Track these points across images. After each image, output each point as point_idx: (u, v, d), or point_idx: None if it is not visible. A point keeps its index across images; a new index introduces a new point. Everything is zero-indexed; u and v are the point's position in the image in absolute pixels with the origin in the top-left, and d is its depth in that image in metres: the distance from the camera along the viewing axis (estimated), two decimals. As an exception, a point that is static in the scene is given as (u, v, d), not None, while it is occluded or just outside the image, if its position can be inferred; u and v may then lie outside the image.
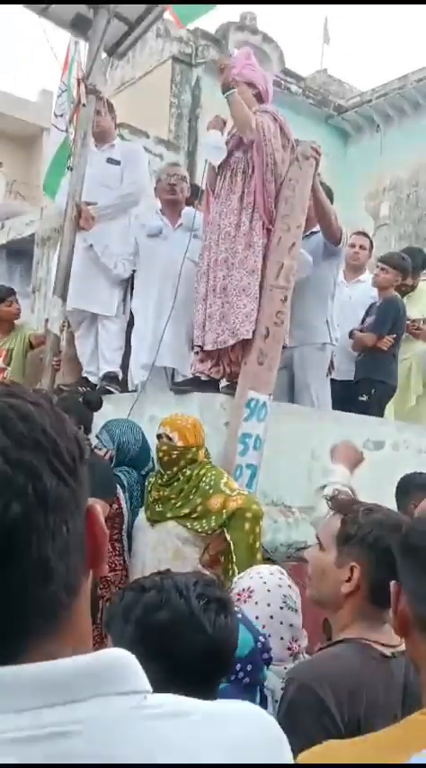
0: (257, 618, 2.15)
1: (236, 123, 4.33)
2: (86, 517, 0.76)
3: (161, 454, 3.76)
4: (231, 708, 0.81)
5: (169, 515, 3.66)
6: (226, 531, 3.53)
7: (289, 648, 2.21)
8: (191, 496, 3.65)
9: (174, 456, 3.72)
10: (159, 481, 3.80)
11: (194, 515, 3.60)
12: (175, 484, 3.72)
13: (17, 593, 0.69)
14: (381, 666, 1.71)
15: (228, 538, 3.51)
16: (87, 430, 4.06)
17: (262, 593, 2.23)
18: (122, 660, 0.74)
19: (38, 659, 0.69)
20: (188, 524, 3.61)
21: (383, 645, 1.74)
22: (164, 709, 0.72)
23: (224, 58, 4.40)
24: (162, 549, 3.63)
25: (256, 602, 2.20)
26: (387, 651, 1.73)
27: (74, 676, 0.69)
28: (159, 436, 3.78)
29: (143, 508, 3.84)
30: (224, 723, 0.76)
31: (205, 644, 1.51)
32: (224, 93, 4.33)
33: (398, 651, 1.71)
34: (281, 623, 2.20)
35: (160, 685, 1.45)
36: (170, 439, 3.73)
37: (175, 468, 3.73)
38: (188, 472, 3.72)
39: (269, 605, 2.21)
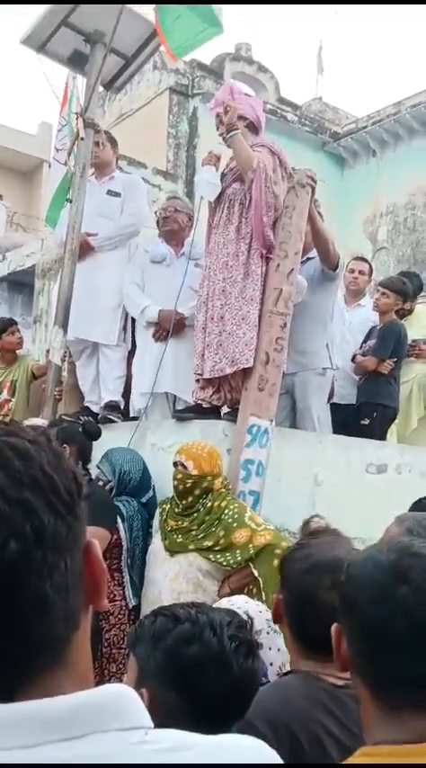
0: (271, 664, 2.13)
1: (239, 163, 4.37)
2: (85, 553, 0.77)
3: (176, 482, 3.75)
4: (231, 741, 0.80)
5: (191, 547, 3.63)
6: (253, 566, 3.51)
7: (279, 675, 2.20)
8: (213, 528, 3.62)
9: (189, 485, 3.71)
10: (175, 509, 3.78)
11: (217, 548, 3.58)
12: (195, 515, 3.70)
13: (16, 631, 0.70)
14: (331, 696, 1.65)
15: (257, 574, 3.48)
16: (87, 460, 4.07)
17: (269, 635, 2.20)
18: (123, 696, 0.74)
19: (38, 695, 0.70)
20: (210, 557, 3.58)
21: (335, 677, 1.67)
22: (165, 744, 0.73)
23: (231, 102, 4.41)
24: (182, 580, 3.59)
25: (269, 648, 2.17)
26: (339, 681, 1.66)
27: (73, 713, 0.69)
28: (175, 464, 3.77)
29: (160, 536, 3.81)
30: (223, 756, 0.75)
31: (229, 684, 1.52)
32: (228, 134, 4.35)
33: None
34: (270, 649, 2.18)
35: (176, 716, 1.47)
36: (185, 467, 3.71)
37: (191, 498, 3.72)
38: (208, 503, 3.70)
39: (279, 650, 2.18)
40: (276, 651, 2.21)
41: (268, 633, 2.19)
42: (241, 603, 2.28)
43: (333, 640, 1.19)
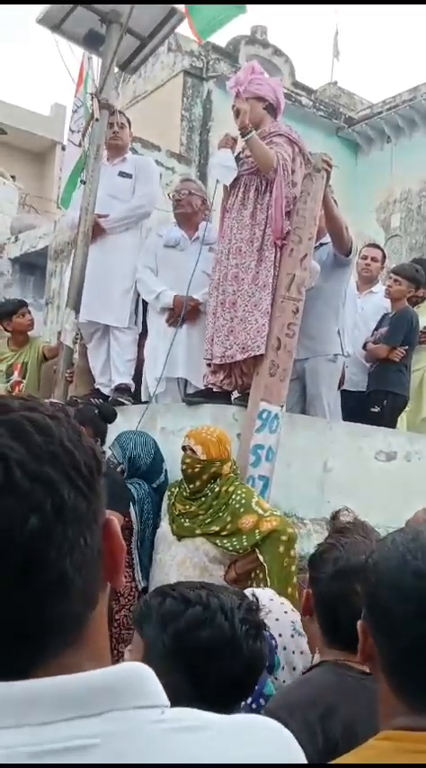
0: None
1: (258, 164, 4.31)
2: (104, 529, 0.77)
3: (184, 467, 3.76)
4: (248, 722, 0.80)
5: (198, 531, 3.64)
6: (258, 552, 3.52)
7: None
8: (221, 513, 3.63)
9: (197, 469, 3.71)
10: (183, 494, 3.80)
11: (224, 533, 3.59)
12: (203, 499, 3.71)
13: (34, 607, 0.70)
14: (360, 683, 1.66)
15: (262, 559, 3.49)
16: (102, 442, 4.09)
17: (271, 623, 2.15)
18: (141, 674, 0.74)
19: (55, 672, 0.69)
20: (217, 542, 3.59)
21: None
22: (183, 723, 0.72)
23: (240, 103, 4.36)
24: (189, 564, 3.61)
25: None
26: (368, 668, 1.70)
27: (90, 690, 0.69)
28: (184, 448, 3.77)
29: (168, 520, 3.83)
30: (241, 737, 0.75)
31: (239, 667, 1.53)
32: (243, 138, 4.29)
33: None
34: (294, 652, 2.16)
35: (183, 697, 1.48)
36: (194, 452, 3.72)
37: (198, 482, 3.72)
38: (216, 488, 3.70)
39: (280, 635, 2.17)
40: (299, 654, 2.19)
41: (292, 636, 2.17)
42: (266, 601, 2.27)
43: (360, 638, 1.19)
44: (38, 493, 0.69)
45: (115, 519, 0.79)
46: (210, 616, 1.54)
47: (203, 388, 4.55)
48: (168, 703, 0.74)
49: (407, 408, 5.64)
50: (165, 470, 4.13)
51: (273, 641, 2.05)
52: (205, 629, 1.52)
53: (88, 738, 0.67)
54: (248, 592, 2.32)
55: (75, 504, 0.71)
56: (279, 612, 2.19)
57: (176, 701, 1.38)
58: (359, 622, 1.19)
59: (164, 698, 0.74)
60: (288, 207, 4.30)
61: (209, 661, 1.51)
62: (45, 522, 0.69)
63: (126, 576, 3.76)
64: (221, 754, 0.71)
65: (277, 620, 2.17)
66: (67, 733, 0.67)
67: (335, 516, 2.08)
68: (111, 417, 4.24)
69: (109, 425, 4.28)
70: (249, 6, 4.78)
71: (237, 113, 4.31)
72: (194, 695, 1.46)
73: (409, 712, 1.08)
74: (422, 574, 1.10)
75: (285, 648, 2.16)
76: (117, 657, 3.67)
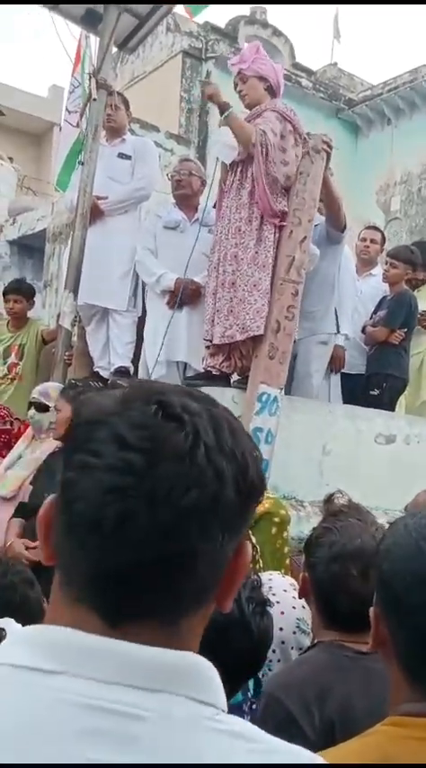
0: None
1: (238, 140, 4.33)
2: (239, 547, 0.79)
3: None
4: (298, 750, 0.79)
5: None
6: (251, 533, 3.52)
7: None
8: None
9: None
10: None
11: None
12: None
13: (155, 571, 0.71)
14: (356, 663, 1.67)
15: (254, 541, 3.50)
16: None
17: (275, 615, 2.18)
18: (203, 668, 0.75)
19: (134, 641, 0.71)
20: None
21: (361, 643, 1.68)
22: (235, 728, 0.72)
23: (209, 87, 4.54)
24: None
25: None
26: (364, 647, 1.66)
27: (153, 665, 0.70)
28: None
29: None
30: (286, 758, 0.75)
31: (248, 645, 1.54)
32: (221, 116, 4.37)
33: None
34: (292, 648, 2.13)
35: None
36: None
37: None
38: None
39: (281, 629, 2.11)
40: (297, 651, 2.15)
41: (294, 633, 2.15)
42: (278, 590, 2.26)
43: (372, 624, 1.18)
44: (208, 474, 0.72)
45: (249, 546, 0.82)
46: None
47: (202, 370, 4.54)
48: (226, 708, 0.74)
49: (406, 391, 5.64)
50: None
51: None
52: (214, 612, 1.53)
53: (137, 708, 0.68)
54: (265, 578, 2.31)
55: (230, 504, 0.74)
56: (288, 606, 2.17)
57: None
58: (371, 609, 1.19)
59: (222, 701, 0.74)
60: (287, 184, 4.26)
61: (220, 643, 1.51)
62: (200, 501, 0.72)
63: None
64: (264, 765, 0.71)
65: (282, 613, 2.14)
66: (120, 697, 0.68)
67: (329, 499, 2.06)
68: None
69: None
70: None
71: (210, 98, 4.43)
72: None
73: (419, 699, 1.08)
74: None
75: (283, 643, 2.13)
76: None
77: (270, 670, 2.07)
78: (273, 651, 2.09)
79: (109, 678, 0.68)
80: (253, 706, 1.87)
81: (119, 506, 0.69)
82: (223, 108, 4.36)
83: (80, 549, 0.72)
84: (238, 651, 1.51)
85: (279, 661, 2.08)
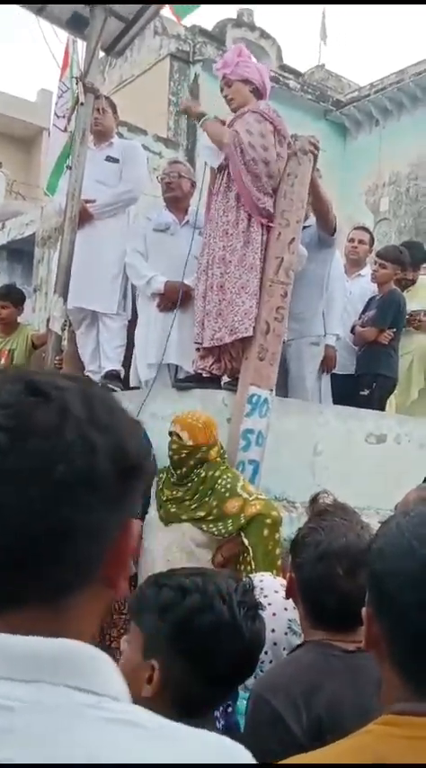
0: None
1: (215, 144, 4.40)
2: (126, 525, 0.77)
3: (171, 452, 3.74)
4: (197, 733, 0.75)
5: (184, 517, 3.64)
6: (243, 535, 3.51)
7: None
8: (207, 498, 3.62)
9: (184, 455, 3.69)
10: (171, 479, 3.79)
11: (210, 518, 3.58)
12: (189, 485, 3.69)
13: (29, 548, 0.70)
14: (344, 662, 1.67)
15: (247, 543, 3.49)
16: None
17: (267, 616, 2.18)
18: (85, 657, 0.72)
19: (18, 624, 0.69)
20: (203, 527, 3.58)
21: (348, 642, 1.69)
22: (119, 715, 0.69)
23: (182, 101, 4.62)
24: (175, 549, 3.60)
25: None
26: (351, 647, 1.68)
27: (25, 654, 0.68)
28: (170, 433, 3.75)
29: (155, 507, 3.82)
30: (180, 742, 0.72)
31: (240, 649, 1.55)
32: (199, 124, 4.51)
33: None
34: (284, 649, 2.13)
35: (187, 682, 1.47)
36: (180, 437, 3.70)
37: (185, 468, 3.71)
38: (202, 473, 3.68)
39: (273, 631, 2.12)
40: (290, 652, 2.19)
41: (285, 634, 2.15)
42: (270, 591, 2.25)
43: (364, 624, 1.17)
44: (78, 448, 0.70)
45: (138, 524, 0.80)
46: (209, 602, 1.55)
47: (193, 372, 4.55)
48: (117, 696, 0.72)
49: (396, 391, 5.66)
50: (154, 456, 4.12)
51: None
52: (205, 616, 1.53)
53: (8, 700, 0.66)
54: (257, 579, 2.31)
55: (108, 478, 0.72)
56: (280, 608, 2.17)
57: (182, 684, 1.39)
58: (363, 609, 1.18)
59: (111, 689, 0.72)
60: (271, 184, 4.28)
61: (213, 646, 1.52)
62: (69, 475, 0.70)
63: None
64: (152, 752, 0.68)
65: (274, 614, 2.14)
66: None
67: (315, 499, 2.06)
68: None
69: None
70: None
71: (185, 112, 4.60)
72: (198, 678, 1.49)
73: (412, 698, 1.08)
74: None
75: (275, 644, 2.13)
76: (108, 642, 3.68)
77: (261, 671, 2.08)
78: (265, 653, 2.09)
79: None
80: (229, 709, 1.88)
81: None
82: (198, 118, 4.49)
83: None
84: (230, 655, 1.52)
85: (271, 662, 2.08)
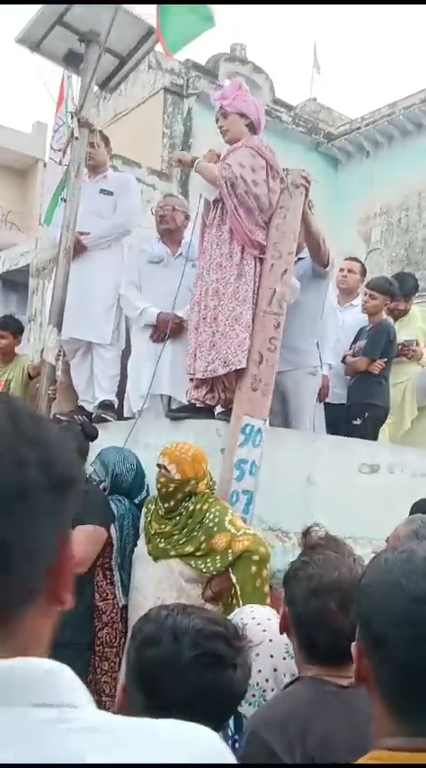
0: (260, 671, 2.08)
1: (210, 183, 4.48)
2: (62, 537, 0.77)
3: (159, 485, 3.71)
4: (170, 729, 0.75)
5: (172, 553, 3.59)
6: (231, 572, 3.46)
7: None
8: (195, 533, 3.58)
9: (171, 488, 3.65)
10: (159, 512, 3.74)
11: (198, 554, 3.53)
12: (178, 518, 3.65)
13: None
14: (337, 698, 1.67)
15: (234, 580, 3.46)
16: (83, 458, 4.08)
17: (265, 643, 2.14)
18: (46, 671, 0.71)
19: None
20: (192, 563, 3.54)
21: (342, 677, 1.69)
22: (83, 723, 0.69)
23: (175, 156, 5.05)
24: (165, 586, 3.56)
25: (257, 654, 2.08)
26: (344, 682, 1.67)
27: None
28: (158, 466, 3.72)
29: (144, 540, 3.78)
30: (148, 743, 0.71)
31: (187, 692, 1.50)
32: (194, 170, 4.63)
33: None
34: (285, 675, 2.12)
35: (145, 710, 1.46)
36: (168, 470, 3.65)
37: (173, 502, 3.66)
38: (190, 506, 3.64)
39: (272, 656, 2.13)
40: (290, 676, 2.18)
41: (284, 658, 2.14)
42: (262, 619, 2.25)
43: (354, 659, 1.18)
44: (6, 462, 0.70)
45: (79, 535, 0.80)
46: (159, 635, 1.54)
47: (186, 403, 4.56)
48: (78, 704, 0.71)
49: (388, 420, 5.68)
50: (147, 486, 4.12)
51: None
52: (151, 648, 1.53)
53: None
54: (247, 610, 2.31)
55: (41, 491, 0.72)
56: (275, 633, 2.17)
57: (139, 713, 1.39)
58: (353, 644, 1.19)
59: (73, 697, 0.71)
60: (263, 217, 4.34)
61: (156, 680, 1.51)
62: (1, 490, 0.69)
63: (109, 594, 3.74)
64: (119, 757, 0.68)
65: (271, 640, 2.14)
66: None
67: (307, 532, 2.07)
68: (94, 436, 4.24)
69: (95, 442, 4.29)
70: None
71: (180, 162, 4.77)
72: (153, 710, 1.46)
73: (401, 733, 1.08)
74: (418, 598, 1.09)
75: (276, 670, 2.13)
76: (100, 675, 3.66)
77: (264, 700, 2.08)
78: (266, 680, 2.10)
79: None
80: (236, 744, 1.87)
81: None
82: (192, 164, 4.63)
83: None
84: (174, 696, 1.49)
85: (272, 690, 2.08)
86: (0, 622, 0.71)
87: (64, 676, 0.72)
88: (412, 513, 3.55)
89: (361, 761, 1.09)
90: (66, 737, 0.67)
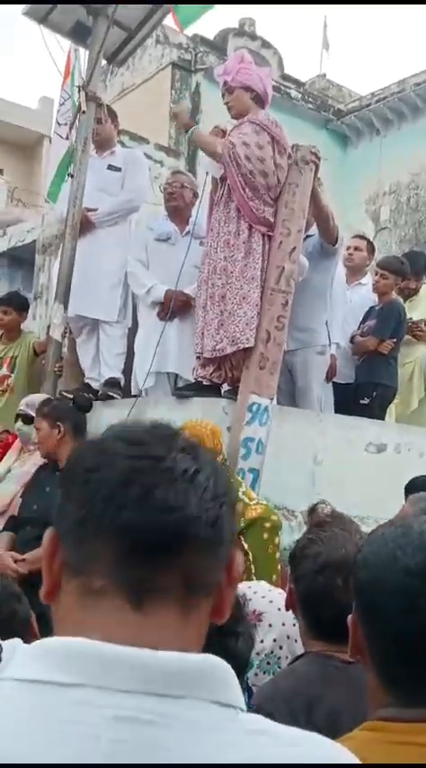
0: (275, 640, 2.13)
1: (208, 154, 4.42)
2: (229, 563, 0.82)
3: None
4: (314, 736, 0.81)
5: None
6: (243, 539, 3.52)
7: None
8: None
9: None
10: None
11: None
12: None
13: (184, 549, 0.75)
14: (343, 673, 1.68)
15: (246, 546, 3.49)
16: (82, 432, 4.07)
17: (274, 613, 2.19)
18: (223, 672, 0.74)
19: (158, 632, 0.73)
20: None
21: (347, 653, 1.73)
22: (257, 726, 0.73)
23: (174, 107, 4.74)
24: None
25: (270, 625, 2.16)
26: (350, 657, 1.72)
27: (178, 671, 0.70)
28: None
29: None
30: (309, 746, 0.76)
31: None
32: (187, 136, 4.64)
33: None
34: (296, 641, 2.14)
35: None
36: None
37: None
38: None
39: (283, 624, 2.17)
40: (301, 645, 2.20)
41: (294, 625, 2.14)
42: (265, 592, 2.26)
43: (350, 631, 1.20)
44: (209, 492, 0.78)
45: (240, 557, 0.85)
46: None
47: (193, 381, 4.55)
48: (244, 707, 0.75)
49: (396, 400, 5.66)
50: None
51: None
52: None
53: (162, 717, 0.68)
54: (244, 587, 2.31)
55: (227, 521, 0.80)
56: (281, 603, 2.17)
57: None
58: (349, 616, 1.20)
59: (240, 700, 0.74)
60: (271, 194, 4.29)
61: None
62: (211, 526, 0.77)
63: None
64: (291, 758, 0.72)
65: (279, 609, 2.18)
66: (143, 706, 0.67)
67: (313, 510, 2.07)
68: (87, 408, 4.26)
69: (97, 419, 4.28)
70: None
71: (176, 117, 4.57)
72: None
73: (395, 704, 1.10)
74: (412, 571, 1.11)
75: (289, 637, 2.17)
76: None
77: (279, 667, 2.10)
78: (280, 648, 2.12)
79: (130, 687, 0.68)
80: None
81: (143, 480, 0.75)
82: (187, 128, 4.55)
83: (102, 533, 0.74)
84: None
85: (287, 658, 2.10)
86: (183, 611, 0.76)
87: (235, 678, 0.76)
88: (407, 491, 3.57)
89: (356, 731, 1.10)
90: (242, 739, 0.71)
